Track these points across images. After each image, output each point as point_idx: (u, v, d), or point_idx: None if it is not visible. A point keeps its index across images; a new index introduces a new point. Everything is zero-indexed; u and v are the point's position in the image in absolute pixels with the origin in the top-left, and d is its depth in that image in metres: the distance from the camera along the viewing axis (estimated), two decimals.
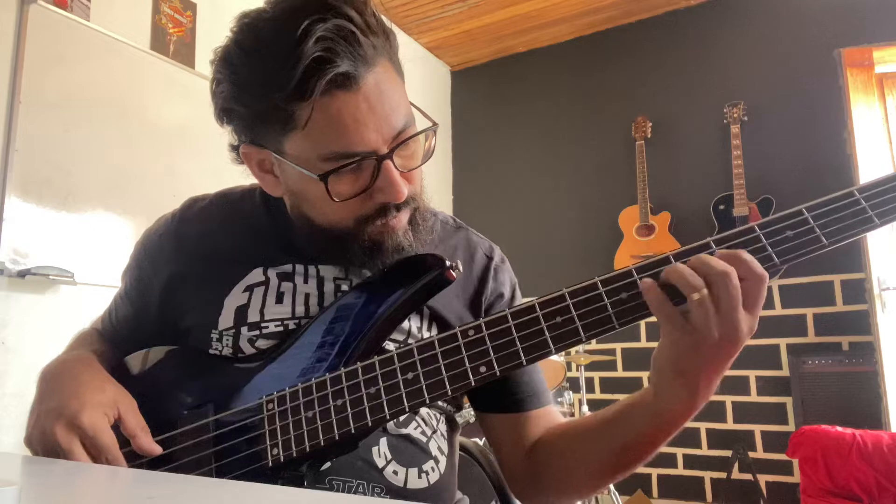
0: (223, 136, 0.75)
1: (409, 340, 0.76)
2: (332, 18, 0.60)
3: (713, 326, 0.55)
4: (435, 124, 0.70)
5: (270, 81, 0.62)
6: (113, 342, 0.86)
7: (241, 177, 0.89)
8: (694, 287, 0.55)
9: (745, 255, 0.56)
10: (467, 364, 0.61)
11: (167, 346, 0.81)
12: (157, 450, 0.66)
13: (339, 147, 0.64)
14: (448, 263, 0.68)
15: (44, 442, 0.65)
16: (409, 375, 0.62)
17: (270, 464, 0.64)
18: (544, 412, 0.80)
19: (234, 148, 0.73)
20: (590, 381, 3.33)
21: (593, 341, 3.31)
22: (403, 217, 0.70)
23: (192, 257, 0.80)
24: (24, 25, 1.88)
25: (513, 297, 0.87)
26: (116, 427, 0.67)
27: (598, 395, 3.32)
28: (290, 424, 0.64)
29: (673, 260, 0.60)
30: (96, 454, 0.64)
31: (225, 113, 0.69)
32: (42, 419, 0.66)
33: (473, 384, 0.61)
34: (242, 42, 0.65)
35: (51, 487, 0.48)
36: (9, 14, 1.87)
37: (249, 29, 0.65)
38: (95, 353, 0.79)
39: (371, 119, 0.63)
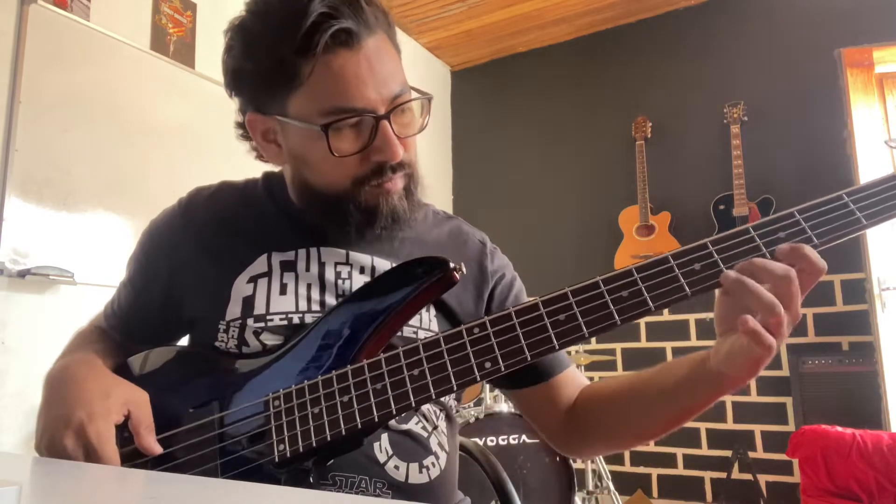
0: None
1: (419, 324, 0.78)
2: None
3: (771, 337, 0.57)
4: (430, 96, 0.75)
5: (278, 38, 0.67)
6: (115, 333, 0.86)
7: (242, 176, 0.90)
8: (775, 311, 0.56)
9: (808, 249, 0.58)
10: (473, 360, 0.63)
11: (171, 338, 0.82)
12: (157, 450, 0.67)
13: (340, 102, 0.68)
14: (452, 265, 0.69)
15: (52, 451, 0.66)
16: (416, 371, 0.64)
17: (277, 459, 0.64)
18: (567, 374, 0.83)
19: (241, 125, 0.77)
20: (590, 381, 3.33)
21: (593, 341, 3.31)
22: (398, 181, 0.74)
23: (199, 242, 0.81)
24: (24, 25, 1.88)
25: (514, 279, 0.89)
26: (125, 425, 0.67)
27: None
28: (297, 420, 0.65)
29: (672, 260, 0.61)
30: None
31: (234, 76, 0.73)
32: (50, 428, 0.67)
33: (479, 379, 0.62)
34: (254, 8, 0.71)
35: (51, 487, 0.48)
36: (9, 14, 1.87)
37: None
38: (97, 352, 0.79)
39: (370, 78, 0.68)
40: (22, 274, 1.80)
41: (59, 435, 0.65)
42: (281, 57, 0.67)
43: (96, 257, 1.99)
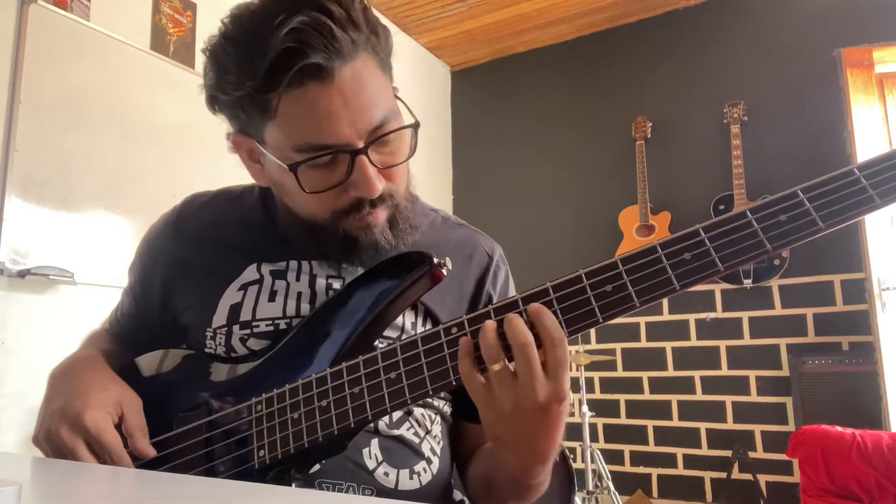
0: (223, 136, 0.76)
1: (403, 336, 0.75)
2: (309, 11, 0.61)
3: (507, 397, 0.55)
4: (416, 123, 0.69)
5: (245, 71, 0.63)
6: (121, 339, 0.87)
7: (241, 177, 0.90)
8: (493, 358, 0.55)
9: (546, 316, 0.55)
10: (448, 362, 0.59)
11: (171, 345, 0.81)
12: (151, 453, 0.67)
13: (312, 138, 0.64)
14: (436, 261, 0.67)
15: (50, 442, 0.66)
16: (392, 375, 0.61)
17: (257, 465, 0.63)
18: None
19: (229, 136, 0.75)
20: (590, 381, 3.33)
21: (593, 340, 3.31)
22: (380, 214, 0.70)
23: (191, 252, 0.81)
24: (24, 25, 1.88)
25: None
26: (120, 426, 0.67)
27: (598, 395, 3.32)
28: (277, 426, 0.63)
29: (660, 250, 0.56)
30: (100, 453, 0.64)
31: (211, 100, 0.71)
32: (48, 420, 0.67)
33: (454, 383, 0.59)
34: (226, 33, 0.67)
35: (51, 487, 0.48)
36: (9, 14, 1.87)
37: (234, 20, 0.67)
38: (104, 352, 0.80)
39: (345, 112, 0.63)
40: (22, 274, 1.80)
41: (56, 426, 0.65)
42: (248, 92, 0.64)
43: (96, 257, 1.99)
